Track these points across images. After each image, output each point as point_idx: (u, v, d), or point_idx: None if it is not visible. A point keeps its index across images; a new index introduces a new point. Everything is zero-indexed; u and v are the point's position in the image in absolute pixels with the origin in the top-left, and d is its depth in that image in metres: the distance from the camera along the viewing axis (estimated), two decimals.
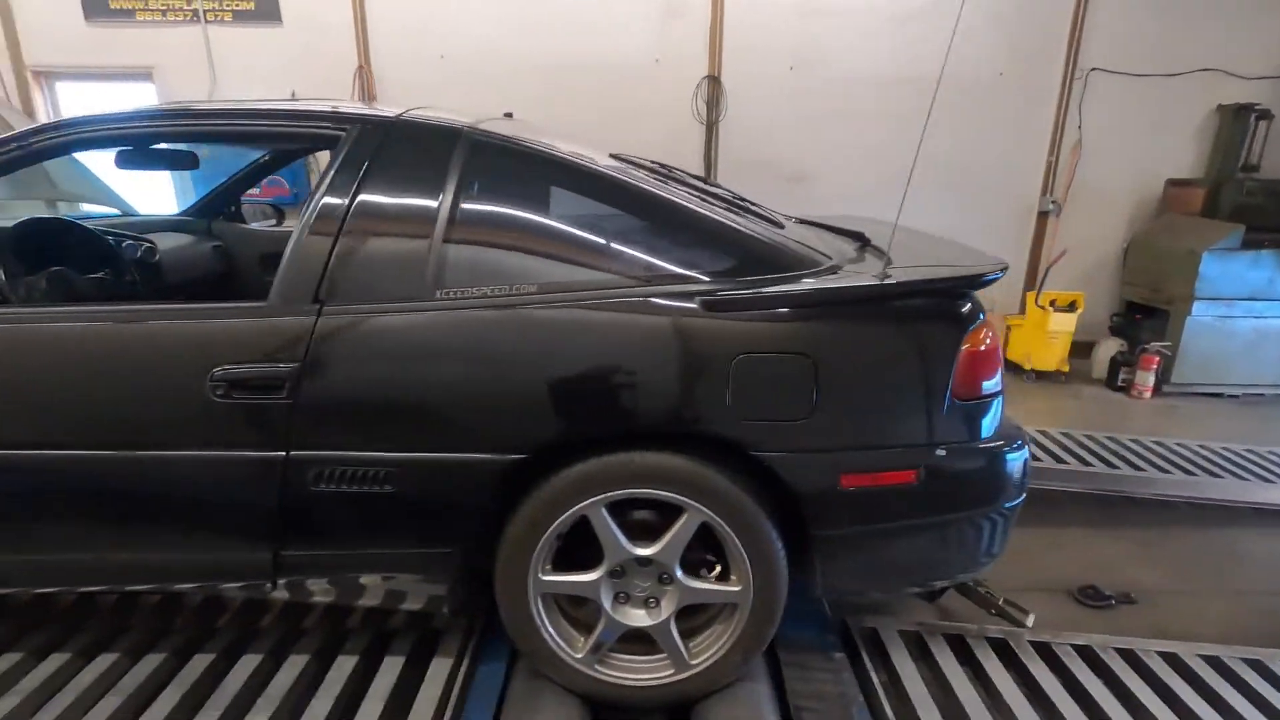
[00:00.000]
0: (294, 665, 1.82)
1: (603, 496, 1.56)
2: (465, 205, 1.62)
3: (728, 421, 1.54)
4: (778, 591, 1.64)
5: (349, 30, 5.17)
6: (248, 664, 1.81)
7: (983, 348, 1.61)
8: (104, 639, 1.90)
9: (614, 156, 2.05)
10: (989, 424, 1.66)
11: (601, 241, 1.71)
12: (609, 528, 1.59)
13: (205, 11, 5.14)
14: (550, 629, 1.68)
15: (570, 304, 1.56)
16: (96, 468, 1.58)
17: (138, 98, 5.38)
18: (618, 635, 1.69)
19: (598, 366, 1.56)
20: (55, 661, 1.80)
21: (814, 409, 1.55)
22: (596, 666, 1.71)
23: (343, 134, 1.67)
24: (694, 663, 1.70)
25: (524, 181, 1.74)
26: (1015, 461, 1.69)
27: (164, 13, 5.16)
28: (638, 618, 1.68)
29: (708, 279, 1.61)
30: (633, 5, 5.11)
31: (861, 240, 2.01)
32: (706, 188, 2.16)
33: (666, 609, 1.66)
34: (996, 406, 1.69)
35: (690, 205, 1.72)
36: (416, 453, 1.55)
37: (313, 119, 1.76)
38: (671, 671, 1.71)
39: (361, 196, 1.61)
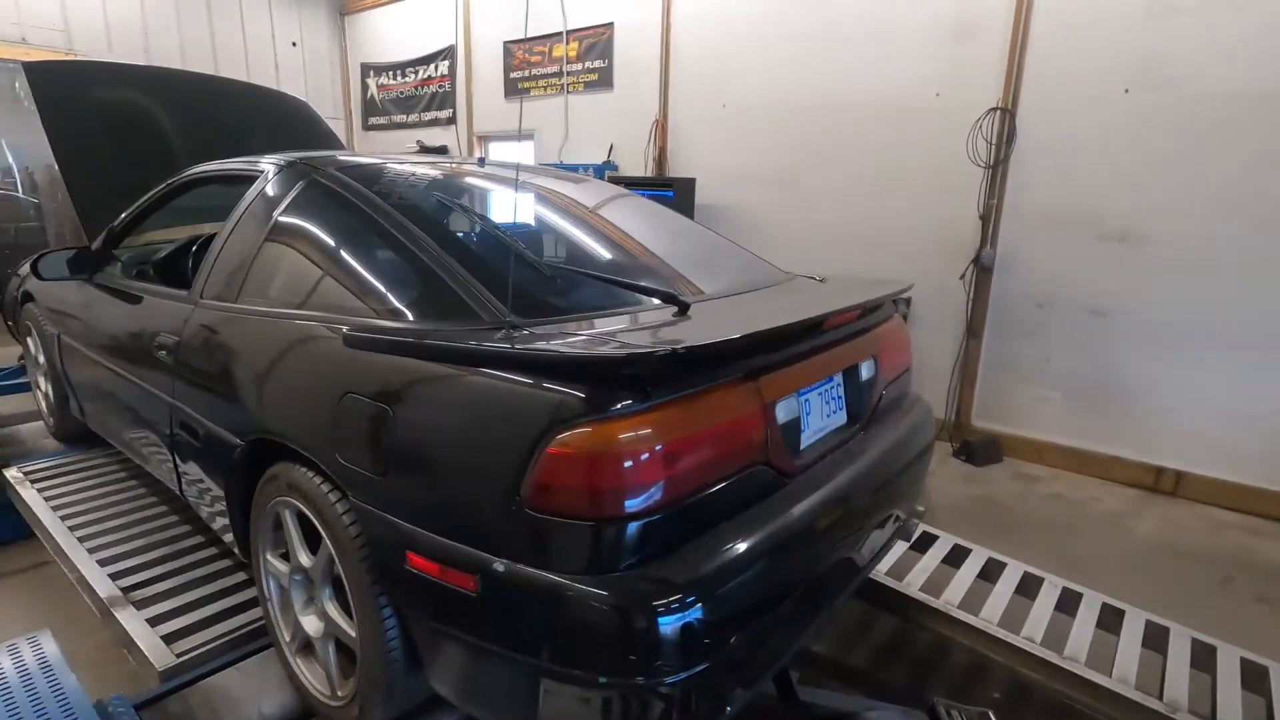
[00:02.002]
0: None
1: (279, 499, 1.70)
2: (277, 233, 1.94)
3: (329, 457, 1.50)
4: (383, 652, 1.49)
5: (655, 90, 5.87)
6: None
7: (594, 455, 1.17)
8: None
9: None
10: (606, 552, 1.19)
11: (346, 270, 1.75)
12: (289, 529, 1.71)
13: (567, 85, 6.51)
14: (275, 607, 1.88)
15: (275, 318, 1.76)
16: None
17: (526, 152, 7.12)
18: (307, 637, 1.77)
19: (264, 376, 1.72)
20: None
21: (387, 468, 1.39)
22: (297, 659, 1.83)
23: (256, 175, 2.17)
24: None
25: (332, 217, 1.86)
26: (638, 616, 1.17)
27: (545, 89, 6.73)
28: (308, 623, 1.74)
29: (385, 314, 1.58)
30: (916, 33, 4.49)
31: (676, 304, 1.59)
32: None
33: (323, 626, 1.69)
34: (624, 535, 1.19)
35: (409, 241, 1.63)
36: (204, 417, 1.95)
37: (247, 167, 2.24)
38: (326, 694, 1.72)
39: (240, 221, 2.08)
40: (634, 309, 1.65)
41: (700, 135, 5.69)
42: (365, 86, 8.70)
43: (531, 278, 1.63)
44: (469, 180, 2.35)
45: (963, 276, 4.47)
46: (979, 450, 4.37)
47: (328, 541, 1.56)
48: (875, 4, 4.62)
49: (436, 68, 7.72)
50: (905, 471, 1.98)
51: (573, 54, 6.40)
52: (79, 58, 6.74)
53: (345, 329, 1.53)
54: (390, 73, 8.29)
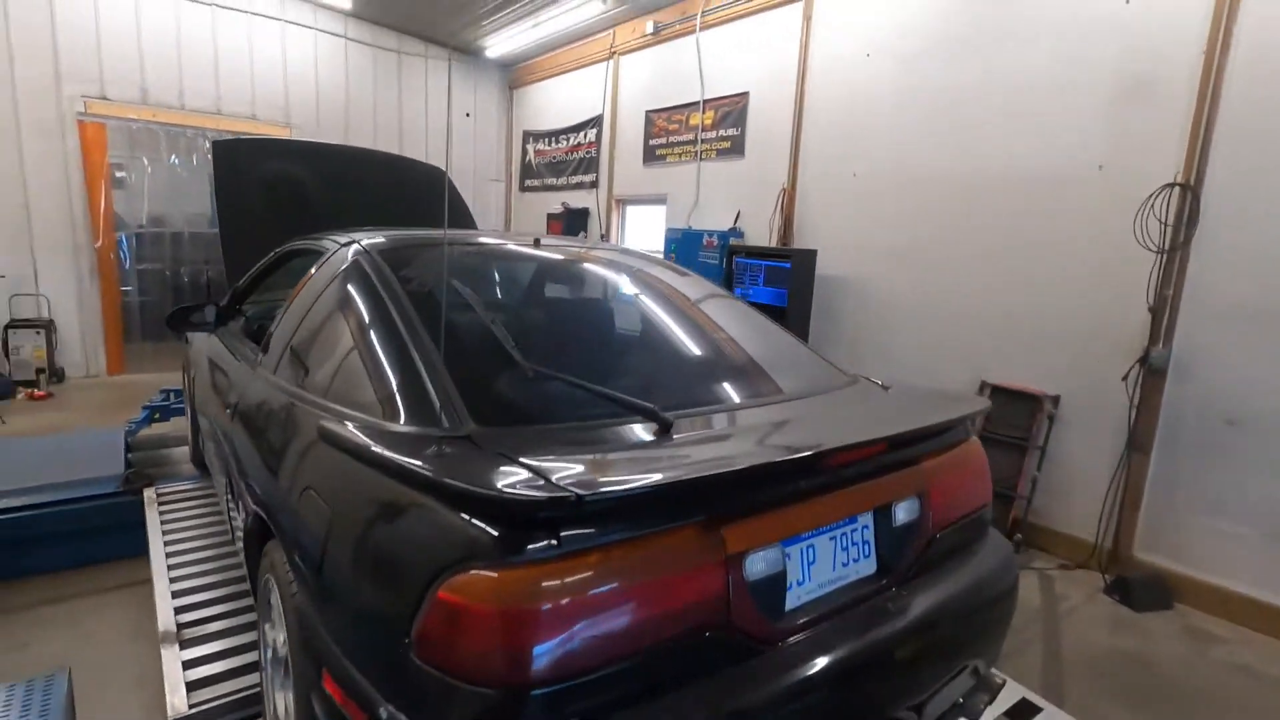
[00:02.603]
0: None
1: (267, 574, 1.72)
2: (315, 310, 2.02)
3: (290, 545, 1.49)
4: None
5: (784, 158, 5.71)
6: None
7: (485, 608, 1.03)
8: None
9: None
10: None
11: (346, 357, 1.77)
12: (272, 605, 1.73)
13: (701, 152, 6.55)
14: (266, 677, 1.89)
15: (289, 397, 1.84)
16: None
17: (658, 216, 7.22)
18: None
19: (271, 453, 1.80)
20: None
21: (321, 572, 1.33)
22: None
23: (323, 251, 2.30)
24: None
25: (354, 300, 1.89)
26: None
27: (680, 156, 6.82)
28: (279, 701, 1.72)
29: (361, 408, 1.55)
30: (1074, 96, 3.96)
31: (658, 423, 1.42)
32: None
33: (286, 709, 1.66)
34: (519, 708, 1.02)
35: (398, 349, 1.60)
36: (240, 479, 2.05)
37: (320, 243, 2.38)
38: None
39: (298, 296, 2.20)
40: (617, 421, 1.50)
41: (827, 204, 5.42)
42: (525, 151, 9.39)
43: (512, 379, 1.54)
44: (509, 262, 2.34)
45: (1125, 378, 3.76)
46: (1139, 590, 3.58)
47: (287, 629, 1.54)
48: (1024, 65, 4.16)
49: (585, 135, 8.15)
50: (965, 636, 1.61)
51: (708, 122, 6.45)
52: (274, 134, 7.93)
53: (321, 420, 1.53)
54: (546, 139, 8.88)
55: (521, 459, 1.19)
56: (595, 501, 1.04)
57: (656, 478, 1.12)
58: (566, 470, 1.15)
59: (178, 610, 2.48)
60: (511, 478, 1.10)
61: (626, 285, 2.35)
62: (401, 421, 1.42)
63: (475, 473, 1.16)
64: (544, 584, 1.05)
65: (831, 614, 1.40)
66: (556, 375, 1.50)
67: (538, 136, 9.08)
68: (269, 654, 1.87)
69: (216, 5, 7.32)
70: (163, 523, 3.17)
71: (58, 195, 6.77)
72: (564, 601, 1.05)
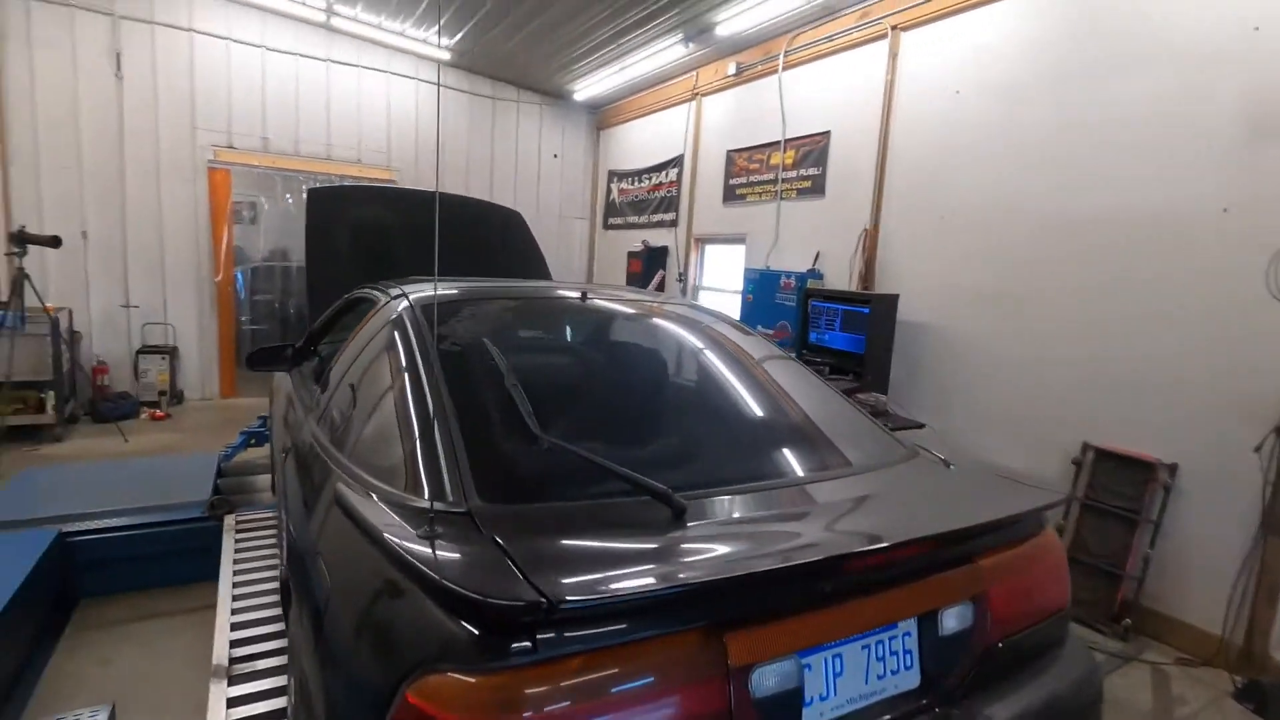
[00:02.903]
0: None
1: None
2: (361, 362, 2.04)
3: (306, 604, 1.47)
4: None
5: (867, 199, 5.49)
6: None
7: (450, 715, 0.96)
8: None
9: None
10: None
11: (372, 417, 1.78)
12: None
13: (781, 192, 6.42)
14: None
15: (324, 452, 1.84)
16: None
17: (737, 255, 7.11)
18: None
19: (302, 505, 1.82)
20: None
21: (316, 643, 1.30)
22: None
23: (376, 300, 2.34)
24: None
25: (388, 356, 1.90)
26: None
27: (760, 195, 6.72)
28: None
29: (378, 474, 1.53)
30: (1194, 133, 3.57)
31: (671, 507, 1.32)
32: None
33: None
34: None
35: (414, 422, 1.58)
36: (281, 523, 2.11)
37: (377, 292, 2.42)
38: None
39: (348, 344, 2.25)
40: (629, 501, 1.40)
41: (912, 246, 5.15)
42: (609, 190, 9.56)
43: (527, 449, 1.48)
44: (550, 317, 2.30)
45: (1259, 449, 3.29)
46: (1275, 697, 3.07)
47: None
48: (1137, 97, 3.81)
49: (667, 174, 8.20)
50: None
51: (789, 161, 6.32)
52: (377, 176, 8.43)
53: (340, 481, 1.53)
54: (629, 178, 9.01)
55: (511, 546, 1.12)
56: (571, 608, 0.95)
57: (647, 582, 1.03)
58: (552, 564, 1.07)
59: (233, 644, 2.55)
60: (488, 572, 1.03)
61: (670, 344, 2.27)
62: (406, 490, 1.39)
63: (451, 563, 1.10)
64: (518, 692, 0.97)
65: None
66: (569, 448, 1.43)
67: (621, 175, 9.23)
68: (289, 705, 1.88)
69: (331, 61, 7.94)
70: (235, 551, 3.32)
71: (187, 234, 7.47)
72: (539, 712, 0.97)
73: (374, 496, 1.41)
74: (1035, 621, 1.52)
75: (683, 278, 7.87)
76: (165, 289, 7.45)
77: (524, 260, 4.54)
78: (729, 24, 6.14)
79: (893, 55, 5.26)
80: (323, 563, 1.40)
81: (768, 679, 1.13)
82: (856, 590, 1.26)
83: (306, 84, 7.86)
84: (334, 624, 1.28)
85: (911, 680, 1.33)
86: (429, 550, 1.14)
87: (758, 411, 2.05)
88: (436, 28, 7.49)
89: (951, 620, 1.38)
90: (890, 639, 1.31)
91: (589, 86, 8.58)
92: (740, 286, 6.59)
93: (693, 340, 2.31)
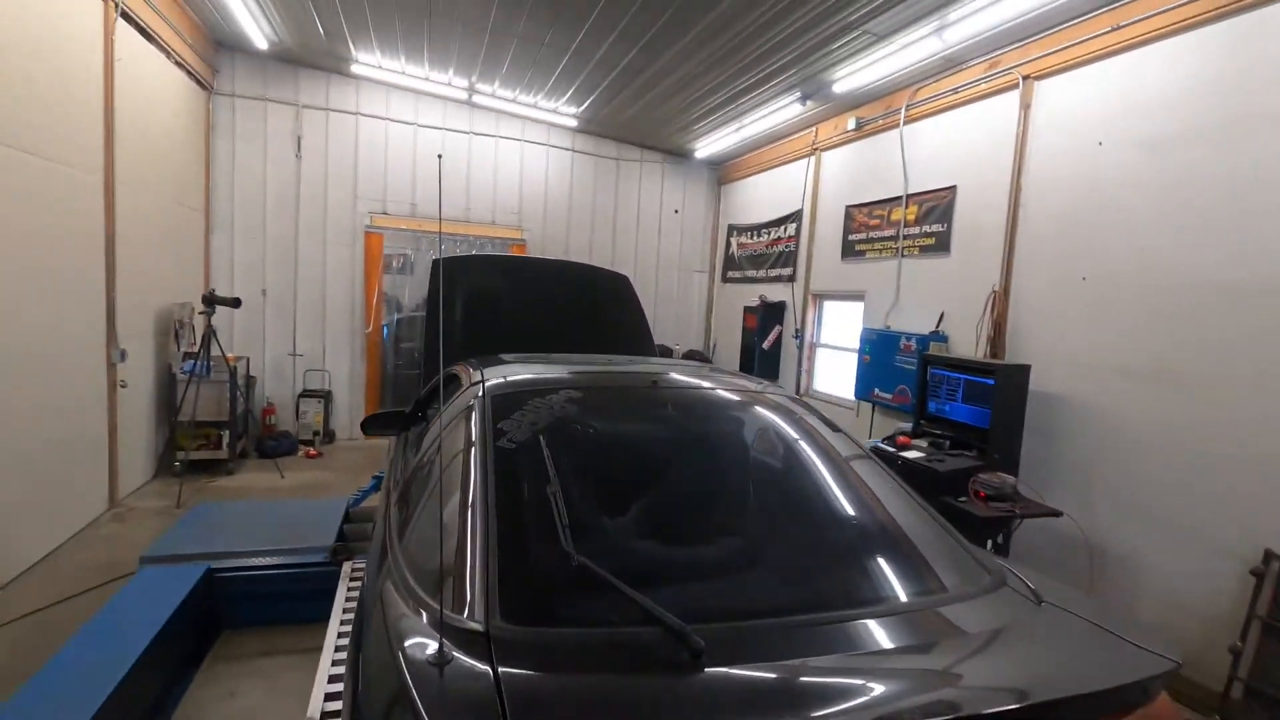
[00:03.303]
0: None
1: None
2: (438, 447, 2.13)
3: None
4: None
5: (997, 257, 5.09)
6: None
7: None
8: None
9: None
10: None
11: (431, 516, 1.80)
12: None
13: (903, 249, 6.12)
14: None
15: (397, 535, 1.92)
16: None
17: (855, 313, 6.83)
18: None
19: None
20: None
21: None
22: None
23: (460, 379, 2.45)
24: None
25: (453, 444, 1.97)
26: None
27: (880, 251, 6.44)
28: None
29: (422, 577, 1.57)
30: None
31: (688, 649, 1.25)
32: None
33: None
34: None
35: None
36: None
37: (461, 372, 2.54)
38: None
39: (434, 418, 2.37)
40: (647, 633, 1.34)
41: (1047, 310, 4.68)
42: (728, 244, 9.58)
43: (558, 566, 1.48)
44: (614, 409, 2.28)
45: None
46: None
47: None
48: None
49: (785, 229, 8.09)
50: None
51: (911, 217, 6.03)
52: (508, 236, 8.98)
53: (386, 580, 1.60)
54: (749, 233, 8.99)
55: (509, 685, 1.12)
56: None
57: None
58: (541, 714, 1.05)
59: (328, 696, 2.71)
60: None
61: (741, 441, 2.19)
62: (431, 599, 1.43)
63: (435, 704, 1.11)
64: None
65: None
66: (595, 569, 1.40)
67: (740, 230, 9.23)
68: None
69: (473, 133, 8.69)
70: (346, 599, 3.56)
71: (345, 291, 8.37)
72: None
73: (410, 601, 1.46)
74: None
75: (799, 334, 7.66)
76: (325, 339, 8.36)
77: (627, 326, 4.62)
78: (846, 81, 6.03)
79: (1024, 106, 4.90)
80: (358, 662, 1.47)
81: None
82: None
83: (451, 155, 8.63)
84: (358, 713, 1.34)
85: None
86: (427, 679, 1.17)
87: (823, 525, 1.92)
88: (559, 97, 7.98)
89: None
90: None
91: (709, 144, 8.73)
92: (857, 347, 6.30)
93: (767, 437, 2.22)
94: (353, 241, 8.35)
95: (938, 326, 5.58)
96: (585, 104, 7.94)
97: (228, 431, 6.80)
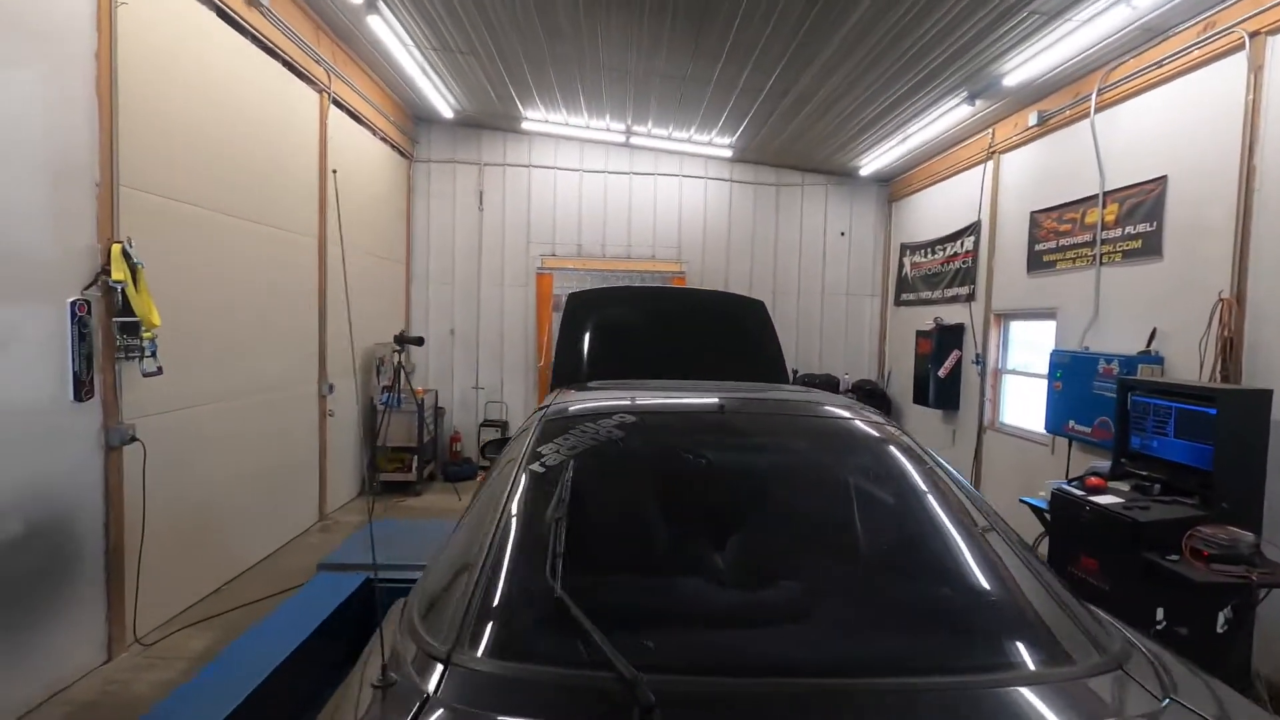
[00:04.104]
0: None
1: None
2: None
3: None
4: None
5: (1225, 258, 4.11)
6: None
7: None
8: None
9: None
10: None
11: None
12: None
13: (1100, 255, 5.20)
14: None
15: None
16: None
17: (1047, 333, 5.90)
18: None
19: None
20: None
21: None
22: None
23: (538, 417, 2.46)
24: None
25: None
26: None
27: (1073, 261, 5.53)
28: None
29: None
30: None
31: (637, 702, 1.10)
32: None
33: None
34: None
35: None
36: None
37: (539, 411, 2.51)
38: None
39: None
40: (601, 679, 1.18)
41: None
42: (901, 265, 8.87)
43: (537, 599, 1.40)
44: (664, 436, 2.13)
45: None
46: None
47: None
48: None
49: (962, 244, 7.29)
50: None
51: (1110, 218, 5.11)
52: (668, 269, 9.09)
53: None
54: (922, 250, 8.25)
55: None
56: None
57: None
58: None
59: None
60: None
61: (799, 478, 1.95)
62: (416, 619, 1.42)
63: None
64: None
65: None
66: (572, 606, 1.28)
67: (914, 248, 8.51)
68: None
69: (633, 173, 9.04)
70: None
71: (519, 329, 9.05)
72: None
73: (404, 620, 1.47)
74: None
75: (980, 359, 6.80)
76: (502, 373, 9.08)
77: (756, 352, 4.42)
78: (1019, 72, 5.33)
79: (1254, 69, 3.95)
80: None
81: None
82: None
83: (612, 195, 9.05)
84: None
85: None
86: (359, 700, 1.15)
87: (884, 572, 1.62)
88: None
89: None
90: None
91: (873, 160, 8.21)
92: (1046, 373, 5.43)
93: (837, 470, 1.95)
94: (526, 283, 9.02)
95: (1149, 346, 4.61)
96: (737, 133, 7.90)
97: (416, 457, 7.61)
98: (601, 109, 7.65)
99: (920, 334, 7.72)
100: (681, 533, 1.79)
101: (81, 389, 3.54)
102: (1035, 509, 4.26)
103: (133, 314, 3.72)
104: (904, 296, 8.76)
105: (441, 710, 1.11)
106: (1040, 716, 1.18)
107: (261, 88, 5.21)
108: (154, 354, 3.86)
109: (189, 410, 4.41)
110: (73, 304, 3.48)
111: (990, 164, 6.71)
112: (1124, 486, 3.88)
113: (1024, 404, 6.33)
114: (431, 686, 1.18)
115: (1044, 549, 4.12)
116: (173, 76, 4.20)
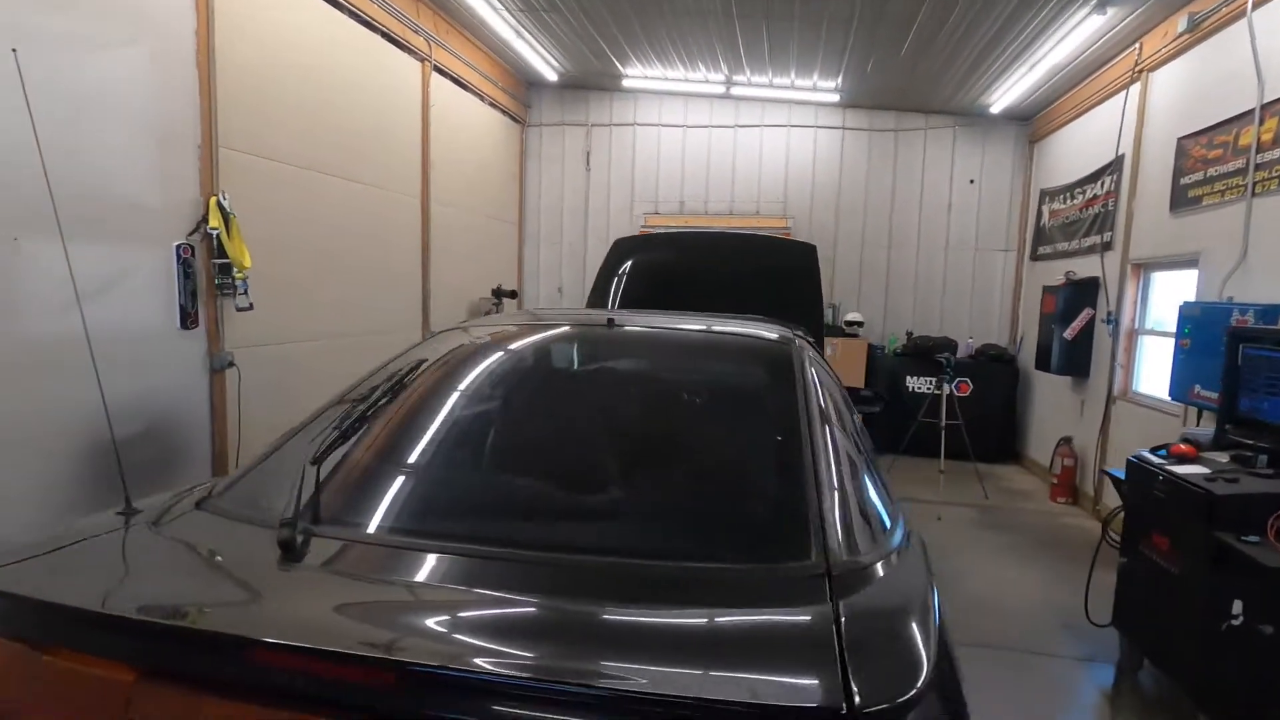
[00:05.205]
0: None
1: None
2: None
3: None
4: None
5: None
6: None
7: None
8: None
9: None
10: None
11: None
12: None
13: (1254, 184, 4.23)
14: None
15: None
16: None
17: (1188, 282, 4.94)
18: None
19: None
20: None
21: None
22: None
23: None
24: None
25: None
26: None
27: (1222, 194, 4.55)
28: None
29: None
30: None
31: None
32: None
33: None
34: None
35: None
36: None
37: None
38: None
39: None
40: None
41: None
42: (1039, 214, 7.80)
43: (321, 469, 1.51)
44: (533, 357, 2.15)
45: None
46: None
47: None
48: None
49: (1102, 184, 6.26)
50: None
51: (1267, 137, 4.13)
52: (773, 225, 8.72)
53: None
54: (1061, 196, 7.19)
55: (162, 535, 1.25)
56: None
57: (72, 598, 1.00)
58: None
59: None
60: None
61: (666, 390, 1.90)
62: None
63: None
64: None
65: None
66: (307, 470, 1.37)
67: (1052, 194, 7.44)
68: None
69: (738, 126, 8.77)
70: None
71: None
72: None
73: None
74: None
75: (1112, 318, 5.84)
76: None
77: (792, 296, 4.20)
78: None
79: None
80: None
81: None
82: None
83: (716, 150, 8.86)
84: None
85: None
86: None
87: (678, 478, 1.56)
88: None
89: None
90: None
91: (1004, 93, 7.24)
92: (1174, 329, 4.58)
93: (696, 387, 1.89)
94: None
95: None
96: (839, 74, 7.36)
97: None
98: (695, 59, 7.48)
99: (1046, 290, 6.78)
100: (528, 434, 1.83)
101: (187, 319, 4.23)
102: (1115, 480, 3.66)
103: (227, 257, 4.37)
104: (1040, 250, 7.72)
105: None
106: (706, 595, 1.17)
107: (358, 58, 5.76)
108: (245, 292, 4.50)
109: (284, 345, 5.08)
110: (178, 247, 4.15)
111: (1137, 86, 5.66)
112: (1221, 457, 3.21)
113: (1163, 369, 5.35)
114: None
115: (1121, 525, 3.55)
116: (269, 51, 4.79)
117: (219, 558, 1.28)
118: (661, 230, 8.64)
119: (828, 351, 7.98)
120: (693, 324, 2.20)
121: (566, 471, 1.61)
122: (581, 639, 1.04)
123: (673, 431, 1.74)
